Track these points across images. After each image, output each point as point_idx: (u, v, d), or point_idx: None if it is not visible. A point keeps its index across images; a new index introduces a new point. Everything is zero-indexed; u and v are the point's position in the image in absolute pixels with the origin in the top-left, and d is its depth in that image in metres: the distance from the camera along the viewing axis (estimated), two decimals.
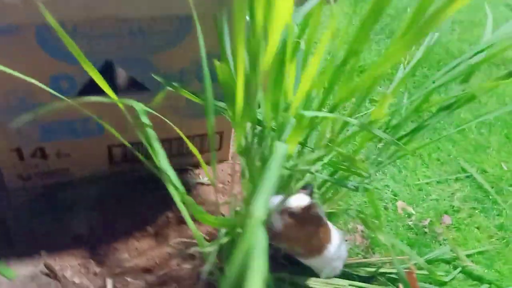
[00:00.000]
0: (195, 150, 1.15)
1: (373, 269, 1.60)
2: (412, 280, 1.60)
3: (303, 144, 1.31)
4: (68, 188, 1.70)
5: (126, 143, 1.12)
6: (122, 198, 1.70)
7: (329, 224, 1.44)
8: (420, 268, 1.64)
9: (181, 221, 1.65)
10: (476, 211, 1.96)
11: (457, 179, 2.09)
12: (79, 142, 1.59)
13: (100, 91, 1.11)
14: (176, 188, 1.04)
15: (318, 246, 1.36)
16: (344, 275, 1.53)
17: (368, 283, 1.55)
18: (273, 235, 1.29)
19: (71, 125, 1.52)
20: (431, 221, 1.87)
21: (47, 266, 1.46)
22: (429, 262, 1.73)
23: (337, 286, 1.45)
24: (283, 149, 0.73)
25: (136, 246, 1.60)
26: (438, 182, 2.05)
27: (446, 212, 1.93)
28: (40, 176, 1.65)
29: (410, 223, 1.86)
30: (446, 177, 2.09)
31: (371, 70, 0.99)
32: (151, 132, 1.07)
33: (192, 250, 1.48)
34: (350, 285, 1.46)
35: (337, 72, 1.09)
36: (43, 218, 1.60)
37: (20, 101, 1.36)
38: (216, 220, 1.07)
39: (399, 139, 1.37)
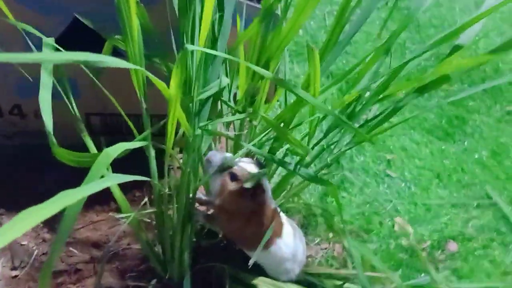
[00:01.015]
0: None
1: (340, 283, 1.39)
2: None
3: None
4: (46, 153, 1.68)
5: None
6: None
7: (283, 217, 1.27)
8: None
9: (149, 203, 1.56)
10: (493, 243, 1.67)
11: (478, 206, 1.80)
12: (56, 104, 1.56)
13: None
14: None
15: (262, 236, 1.18)
16: (303, 283, 1.34)
17: None
18: (207, 205, 1.16)
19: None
20: (432, 244, 1.62)
21: None
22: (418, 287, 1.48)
23: None
24: None
25: (93, 220, 1.53)
26: (453, 205, 1.78)
27: (453, 238, 1.66)
28: (21, 136, 1.66)
29: (404, 243, 1.62)
30: (464, 201, 1.81)
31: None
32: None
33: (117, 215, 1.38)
34: None
35: None
36: (11, 179, 1.59)
37: None
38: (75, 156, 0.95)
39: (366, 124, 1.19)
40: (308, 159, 1.22)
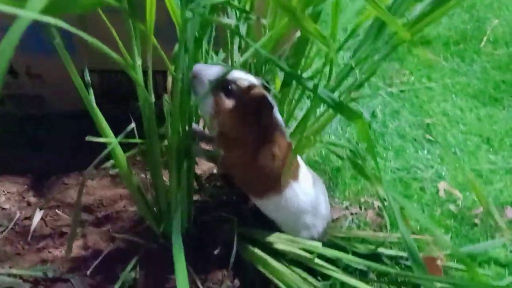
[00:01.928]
0: None
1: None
2: (434, 268, 1.10)
3: None
4: (44, 122, 1.52)
5: None
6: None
7: (301, 161, 1.04)
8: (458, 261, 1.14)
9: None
10: None
11: None
12: (50, 60, 1.41)
13: None
14: None
15: (273, 175, 0.96)
16: (330, 246, 1.10)
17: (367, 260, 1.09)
18: (200, 137, 0.94)
19: (37, 34, 1.36)
20: (487, 211, 1.34)
21: None
22: (472, 257, 1.21)
23: (304, 246, 1.01)
24: None
25: (87, 184, 1.34)
26: (507, 171, 1.51)
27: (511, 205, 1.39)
28: (14, 102, 1.50)
29: (452, 208, 1.35)
30: None
31: None
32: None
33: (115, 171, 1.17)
34: (320, 254, 1.02)
35: None
36: (6, 149, 1.42)
37: None
38: None
39: None
40: (332, 83, 0.99)
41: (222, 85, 0.87)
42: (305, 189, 1.01)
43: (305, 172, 1.03)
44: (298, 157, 1.02)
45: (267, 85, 0.92)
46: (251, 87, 0.87)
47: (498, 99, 1.81)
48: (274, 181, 0.95)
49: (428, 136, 1.61)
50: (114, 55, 0.79)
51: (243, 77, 0.88)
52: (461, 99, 1.80)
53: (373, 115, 1.68)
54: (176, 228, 0.79)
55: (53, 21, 0.63)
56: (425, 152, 1.56)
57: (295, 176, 0.99)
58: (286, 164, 0.93)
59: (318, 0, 0.81)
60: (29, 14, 0.58)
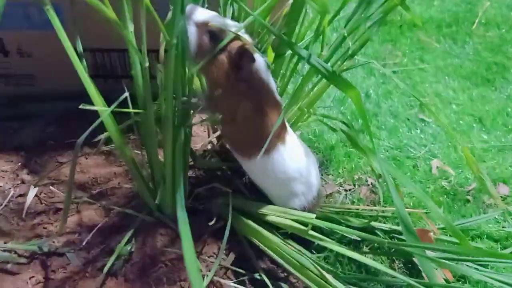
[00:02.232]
0: None
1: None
2: (426, 240, 1.11)
3: None
4: (33, 100, 1.51)
5: None
6: (85, 116, 1.46)
7: (289, 128, 1.04)
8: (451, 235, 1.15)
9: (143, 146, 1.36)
10: None
11: None
12: (39, 36, 1.40)
13: None
14: None
15: (258, 131, 0.95)
16: (323, 219, 1.10)
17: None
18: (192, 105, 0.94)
19: (25, 10, 1.35)
20: (478, 188, 1.36)
21: None
22: (465, 231, 1.22)
23: (298, 218, 1.02)
24: None
25: (82, 162, 1.33)
26: (500, 150, 1.52)
27: (504, 181, 1.40)
28: (4, 80, 1.49)
29: (445, 184, 1.36)
30: None
31: None
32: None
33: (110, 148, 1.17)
34: (315, 226, 1.02)
35: None
36: None
37: None
38: None
39: None
40: (324, 54, 0.99)
41: (206, 28, 0.87)
42: (292, 155, 1.01)
43: (294, 140, 1.03)
44: (287, 125, 1.02)
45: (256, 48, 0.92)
46: (236, 38, 0.87)
47: (490, 80, 1.82)
48: (260, 140, 0.95)
49: (421, 116, 1.62)
50: (107, 11, 0.78)
51: (229, 25, 0.88)
52: (453, 80, 1.81)
53: (367, 95, 1.69)
54: (180, 204, 0.79)
55: None
56: (418, 131, 1.57)
57: (281, 139, 0.99)
58: (272, 123, 0.93)
59: None
60: None
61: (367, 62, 1.13)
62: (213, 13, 0.89)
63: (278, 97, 0.97)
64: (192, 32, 0.87)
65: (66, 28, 0.86)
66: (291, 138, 1.02)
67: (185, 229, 0.73)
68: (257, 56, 0.89)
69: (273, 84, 0.95)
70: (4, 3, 0.66)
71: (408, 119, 1.62)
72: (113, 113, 0.93)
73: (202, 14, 0.88)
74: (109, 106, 0.91)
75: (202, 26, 0.87)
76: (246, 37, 0.89)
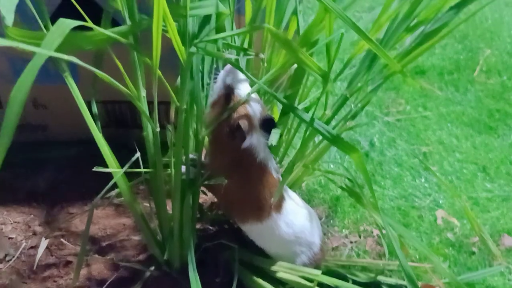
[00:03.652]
0: None
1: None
2: None
3: None
4: (45, 147, 1.55)
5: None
6: (97, 161, 1.50)
7: (290, 192, 1.08)
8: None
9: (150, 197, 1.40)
10: None
11: None
12: (55, 90, 1.46)
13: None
14: None
15: (250, 202, 1.00)
16: (329, 274, 1.12)
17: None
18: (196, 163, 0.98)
19: (43, 65, 1.41)
20: (483, 239, 1.36)
21: None
22: (470, 285, 1.22)
23: (304, 275, 1.04)
24: None
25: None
26: (504, 199, 1.53)
27: (508, 232, 1.41)
28: (19, 130, 1.54)
29: (450, 236, 1.37)
30: None
31: None
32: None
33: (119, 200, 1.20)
34: (321, 283, 1.04)
35: None
36: (8, 171, 1.45)
37: None
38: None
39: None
40: (328, 113, 1.03)
41: (229, 90, 0.93)
42: (288, 221, 1.04)
43: (291, 204, 1.06)
44: (287, 189, 1.06)
45: (272, 120, 0.96)
46: (243, 105, 0.92)
47: (492, 127, 1.85)
48: (252, 211, 1.00)
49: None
50: (122, 87, 0.83)
51: (251, 101, 0.93)
52: (456, 127, 1.84)
53: (371, 143, 1.72)
54: (191, 266, 0.82)
55: (67, 58, 0.68)
56: (423, 180, 1.59)
57: (277, 208, 1.02)
58: (266, 196, 0.98)
59: (314, 42, 0.86)
60: (46, 51, 0.63)
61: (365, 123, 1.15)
62: (240, 75, 0.94)
63: (274, 173, 1.01)
64: (217, 89, 0.95)
65: (77, 83, 0.91)
66: (289, 203, 1.05)
67: None
68: (256, 133, 0.94)
69: (269, 160, 0.99)
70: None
71: (412, 168, 1.64)
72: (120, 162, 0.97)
73: (232, 75, 0.94)
74: (120, 155, 0.96)
75: (227, 88, 0.93)
76: (255, 103, 0.94)
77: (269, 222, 1.02)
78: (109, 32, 0.74)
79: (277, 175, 1.01)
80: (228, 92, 0.93)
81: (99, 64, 1.00)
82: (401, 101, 1.96)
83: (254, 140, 0.94)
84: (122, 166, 0.98)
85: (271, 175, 0.99)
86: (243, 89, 0.93)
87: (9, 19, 0.68)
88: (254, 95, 0.94)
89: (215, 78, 0.96)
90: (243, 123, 0.89)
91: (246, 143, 0.93)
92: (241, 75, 0.94)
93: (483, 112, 1.91)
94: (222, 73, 0.95)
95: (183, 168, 0.96)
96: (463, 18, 0.96)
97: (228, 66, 0.95)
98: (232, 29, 1.01)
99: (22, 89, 0.61)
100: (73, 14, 0.88)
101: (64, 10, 1.27)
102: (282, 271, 1.06)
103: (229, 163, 0.96)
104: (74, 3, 0.87)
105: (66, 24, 0.64)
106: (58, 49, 0.66)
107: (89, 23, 0.75)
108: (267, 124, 0.94)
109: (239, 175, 0.97)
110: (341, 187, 1.11)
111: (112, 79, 0.81)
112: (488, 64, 2.19)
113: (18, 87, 0.61)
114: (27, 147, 1.53)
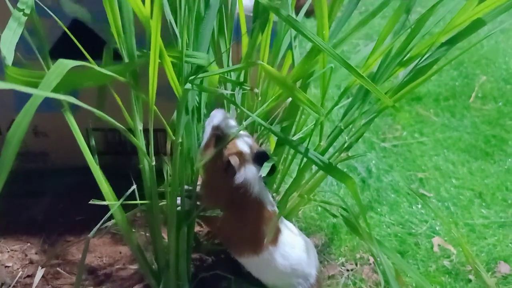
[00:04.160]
0: None
1: None
2: None
3: None
4: (45, 176, 1.57)
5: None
6: (94, 194, 1.51)
7: (287, 224, 1.09)
8: None
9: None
10: None
11: None
12: (55, 118, 1.47)
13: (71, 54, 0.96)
14: None
15: (245, 236, 1.02)
16: None
17: None
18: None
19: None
20: (477, 270, 1.36)
21: None
22: None
23: None
24: None
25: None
26: (500, 225, 1.54)
27: (504, 260, 1.41)
28: (19, 158, 1.55)
29: (447, 264, 1.38)
30: None
31: None
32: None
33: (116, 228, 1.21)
34: None
35: None
36: (7, 200, 1.46)
37: None
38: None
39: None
40: (323, 144, 1.05)
41: (218, 132, 0.96)
42: (284, 253, 1.05)
43: (287, 236, 1.07)
44: (283, 219, 1.07)
45: (265, 153, 0.98)
46: (230, 144, 0.95)
47: (489, 153, 1.87)
48: (250, 243, 1.01)
49: (421, 191, 1.66)
50: (119, 125, 0.85)
51: (241, 137, 0.95)
52: (453, 153, 1.85)
53: (368, 170, 1.73)
54: None
55: (63, 98, 0.69)
56: (419, 206, 1.60)
57: (273, 241, 1.03)
58: (262, 230, 0.99)
59: (307, 75, 0.88)
60: (43, 92, 0.64)
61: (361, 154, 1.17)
62: (226, 115, 0.97)
63: (269, 207, 1.02)
64: (206, 133, 0.97)
65: (77, 111, 0.92)
66: (285, 235, 1.05)
67: None
68: (248, 168, 0.95)
69: (264, 194, 1.00)
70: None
71: (409, 194, 1.65)
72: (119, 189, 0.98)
73: (217, 117, 0.97)
74: (118, 182, 0.97)
75: (215, 129, 0.95)
76: (245, 139, 0.95)
77: (265, 255, 1.02)
78: (107, 71, 0.76)
79: (272, 208, 1.02)
80: (217, 132, 0.95)
81: (103, 101, 1.02)
82: (397, 127, 1.98)
83: (248, 174, 0.95)
84: (119, 194, 0.99)
85: (266, 209, 1.00)
86: (231, 127, 0.95)
87: (9, 59, 0.70)
88: (243, 132, 0.96)
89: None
90: (233, 159, 0.91)
91: (239, 178, 0.94)
92: (228, 115, 0.98)
93: (479, 138, 1.93)
94: (209, 118, 0.98)
95: (179, 199, 0.98)
96: (463, 47, 0.98)
97: (214, 110, 0.98)
98: (228, 63, 1.04)
99: (21, 126, 0.62)
100: (74, 46, 0.91)
101: (66, 41, 1.30)
102: None
103: (224, 198, 0.97)
104: (73, 39, 0.89)
105: (64, 65, 0.66)
106: (57, 87, 0.68)
107: (89, 62, 0.77)
108: (260, 158, 0.95)
109: (234, 210, 0.98)
110: (337, 216, 1.12)
111: (110, 119, 0.83)
112: (484, 91, 2.21)
113: (18, 122, 0.62)
114: (26, 176, 1.54)
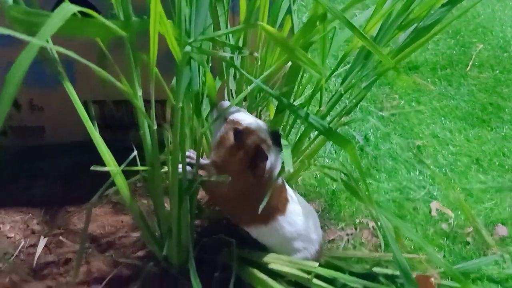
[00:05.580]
0: None
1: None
2: (428, 286, 1.14)
3: None
4: (43, 150, 1.56)
5: None
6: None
7: (290, 192, 1.09)
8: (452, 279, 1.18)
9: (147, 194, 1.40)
10: None
11: None
12: (51, 93, 1.46)
13: None
14: None
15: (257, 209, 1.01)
16: (327, 266, 1.14)
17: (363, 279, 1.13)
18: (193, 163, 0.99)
19: (39, 67, 1.41)
20: (477, 229, 1.38)
21: None
22: (465, 274, 1.25)
23: (301, 267, 1.05)
24: None
25: None
26: (498, 190, 1.56)
27: (502, 222, 1.43)
28: (16, 133, 1.54)
29: (445, 227, 1.39)
30: (511, 185, 1.58)
31: None
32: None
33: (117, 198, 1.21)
34: (318, 274, 1.06)
35: None
36: (6, 175, 1.46)
37: None
38: None
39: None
40: (323, 109, 1.05)
41: (235, 126, 0.95)
42: (291, 221, 1.06)
43: (294, 205, 1.08)
44: (289, 189, 1.08)
45: (278, 134, 0.97)
46: (253, 133, 0.94)
47: (485, 120, 1.87)
48: (258, 216, 1.01)
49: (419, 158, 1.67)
50: (119, 85, 0.84)
51: (256, 126, 0.95)
52: (450, 121, 1.86)
53: (366, 138, 1.73)
54: (191, 260, 0.82)
55: (62, 50, 0.68)
56: (417, 173, 1.61)
57: (281, 211, 1.04)
58: (273, 202, 1.00)
59: (308, 38, 0.87)
60: (39, 41, 0.62)
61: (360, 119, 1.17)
62: (243, 112, 0.97)
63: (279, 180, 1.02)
64: (219, 126, 0.97)
65: (74, 84, 0.91)
66: (292, 204, 1.06)
67: None
68: (271, 151, 0.95)
69: (276, 169, 1.01)
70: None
71: (407, 161, 1.66)
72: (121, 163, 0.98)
73: (233, 112, 0.97)
74: (117, 156, 0.97)
75: (231, 123, 0.95)
76: (264, 132, 0.96)
77: (274, 224, 1.04)
78: (109, 23, 0.74)
79: (281, 180, 1.03)
80: (235, 127, 0.95)
81: (103, 62, 1.00)
82: (395, 96, 1.98)
83: (272, 157, 0.96)
84: (120, 165, 0.99)
85: (278, 186, 1.02)
86: (246, 117, 0.96)
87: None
88: (252, 119, 0.95)
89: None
90: (264, 146, 0.92)
91: (268, 164, 0.94)
92: (235, 107, 0.98)
93: (476, 106, 1.94)
94: (217, 110, 0.97)
95: (180, 166, 0.97)
96: (456, 14, 0.97)
97: (221, 102, 0.97)
98: (226, 28, 1.02)
99: (12, 82, 0.59)
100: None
101: None
102: (280, 264, 1.08)
103: (243, 184, 0.97)
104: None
105: (69, 8, 0.64)
106: (59, 31, 0.65)
107: (91, 11, 0.75)
108: (276, 138, 0.96)
109: (247, 188, 0.98)
110: (337, 180, 1.13)
111: (110, 76, 0.82)
112: (481, 59, 2.21)
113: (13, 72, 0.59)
114: (24, 151, 1.54)
